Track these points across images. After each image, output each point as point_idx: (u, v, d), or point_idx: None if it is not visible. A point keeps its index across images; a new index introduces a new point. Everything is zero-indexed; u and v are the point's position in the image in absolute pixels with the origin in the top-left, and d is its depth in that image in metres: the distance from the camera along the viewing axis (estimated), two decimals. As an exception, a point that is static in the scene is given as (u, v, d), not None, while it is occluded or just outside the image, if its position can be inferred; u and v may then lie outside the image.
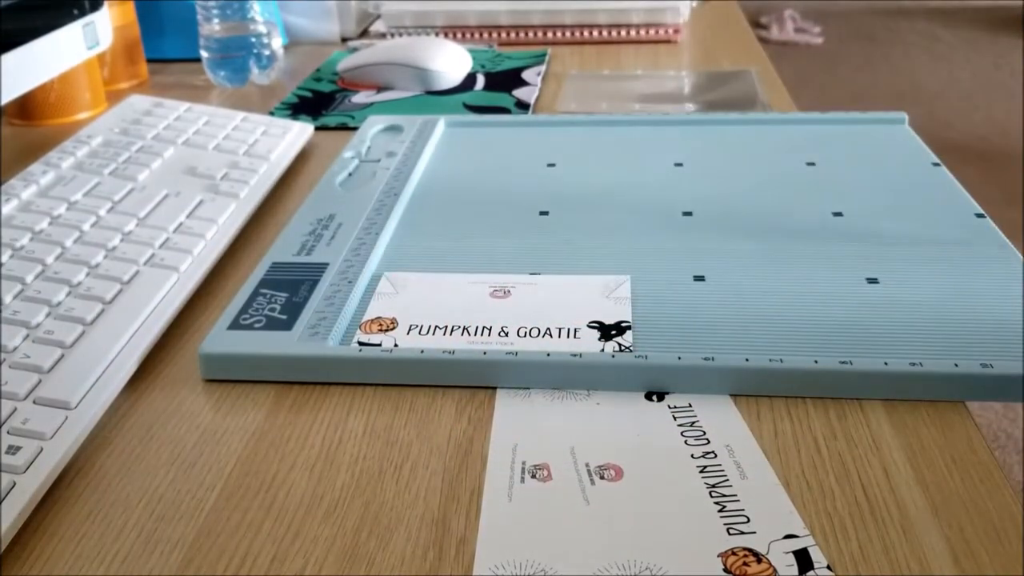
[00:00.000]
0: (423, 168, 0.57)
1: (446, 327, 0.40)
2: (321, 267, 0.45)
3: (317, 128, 0.69)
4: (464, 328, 0.40)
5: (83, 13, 0.67)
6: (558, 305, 0.41)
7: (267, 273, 0.45)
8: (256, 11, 0.79)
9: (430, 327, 0.40)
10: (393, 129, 0.64)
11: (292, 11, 0.93)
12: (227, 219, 0.51)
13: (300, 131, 0.65)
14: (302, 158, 0.64)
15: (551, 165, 0.57)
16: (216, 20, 0.79)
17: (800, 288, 0.42)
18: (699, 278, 0.43)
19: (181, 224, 0.50)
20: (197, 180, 0.55)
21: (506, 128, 0.64)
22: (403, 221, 0.51)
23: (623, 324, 0.39)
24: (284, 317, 0.40)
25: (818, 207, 0.50)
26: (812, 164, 0.55)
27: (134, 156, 0.57)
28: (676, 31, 0.86)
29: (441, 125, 0.64)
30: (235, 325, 0.40)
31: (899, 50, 3.46)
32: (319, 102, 0.75)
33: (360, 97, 0.76)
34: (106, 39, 0.70)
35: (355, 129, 0.68)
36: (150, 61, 0.87)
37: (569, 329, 0.39)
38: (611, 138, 0.61)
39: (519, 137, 0.62)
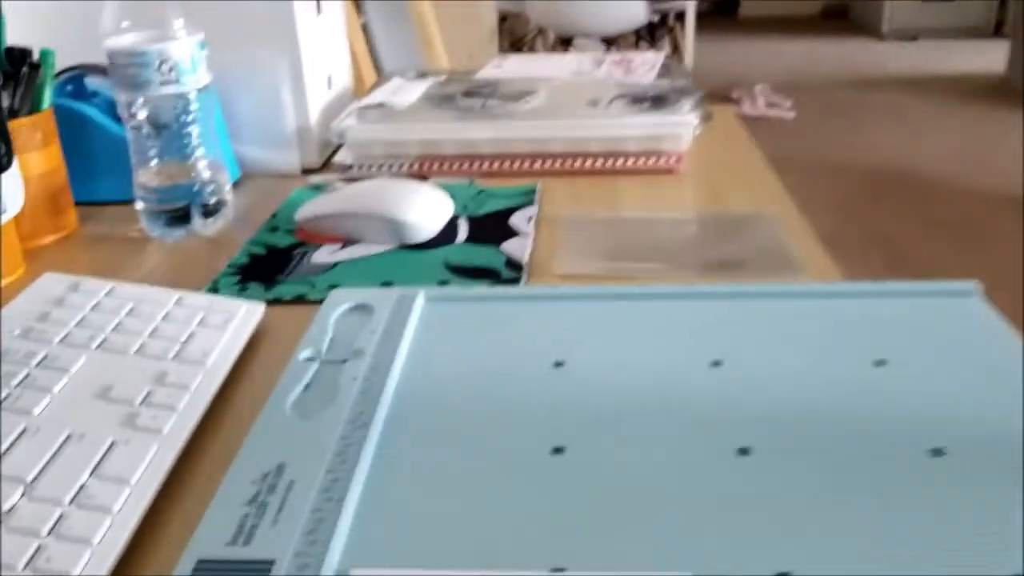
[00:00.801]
0: (398, 376, 0.46)
1: None
2: (263, 569, 0.33)
3: (270, 302, 0.57)
4: None
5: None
6: (593, 636, 0.30)
7: (189, 583, 0.33)
8: (200, 152, 0.69)
9: None
10: (362, 310, 0.53)
11: (244, 140, 0.83)
12: (145, 472, 0.39)
13: (247, 315, 0.53)
14: (251, 350, 0.52)
15: (559, 364, 0.46)
16: (153, 163, 0.68)
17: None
18: (781, 578, 0.32)
19: (82, 488, 0.38)
20: (111, 409, 0.43)
21: (498, 304, 0.53)
22: (373, 474, 0.39)
23: None
24: None
25: (911, 438, 0.39)
26: (882, 363, 0.44)
27: (34, 374, 0.45)
28: (678, 160, 0.76)
29: (420, 301, 0.53)
30: None
31: (872, 122, 3.45)
32: (274, 262, 0.64)
33: (322, 254, 0.65)
34: (15, 204, 0.59)
35: (315, 303, 0.57)
36: (82, 204, 0.76)
37: None
38: (626, 319, 0.50)
39: (515, 319, 0.51)
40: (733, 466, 0.38)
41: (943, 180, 2.82)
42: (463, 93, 0.84)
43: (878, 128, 3.36)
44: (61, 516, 0.36)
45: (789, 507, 0.35)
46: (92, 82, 0.81)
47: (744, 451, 0.39)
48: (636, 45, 3.72)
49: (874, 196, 2.72)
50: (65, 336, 0.48)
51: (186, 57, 0.65)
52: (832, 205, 2.64)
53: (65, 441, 0.40)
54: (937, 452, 0.38)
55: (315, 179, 0.79)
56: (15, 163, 0.60)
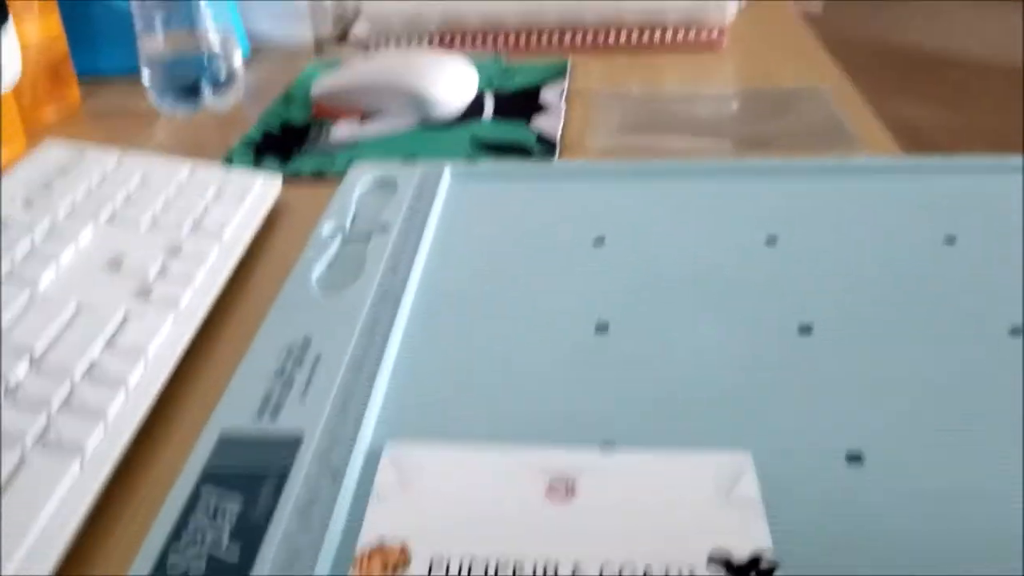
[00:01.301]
0: (427, 251, 0.43)
1: (484, 567, 0.26)
2: (292, 444, 0.31)
3: (287, 177, 0.54)
4: (514, 569, 0.26)
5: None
6: (652, 517, 0.27)
7: (212, 458, 0.30)
8: (208, 18, 0.64)
9: (459, 567, 0.26)
10: (385, 185, 0.50)
11: (255, 13, 0.78)
12: (162, 345, 0.37)
13: (264, 189, 0.50)
14: (269, 226, 0.49)
15: (599, 241, 0.43)
16: (159, 31, 0.64)
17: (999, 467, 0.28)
18: (854, 458, 0.29)
19: (93, 364, 0.35)
20: (123, 282, 0.40)
21: (531, 181, 0.49)
22: (406, 347, 0.36)
23: (762, 565, 0.25)
24: (236, 553, 0.26)
25: (985, 315, 0.36)
26: (952, 240, 0.41)
27: (37, 245, 0.42)
28: (720, 34, 0.71)
29: (446, 177, 0.50)
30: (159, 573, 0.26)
31: (903, 15, 3.31)
32: (290, 137, 0.60)
33: (340, 130, 0.61)
34: (13, 71, 0.55)
35: (335, 178, 0.54)
36: (84, 78, 0.72)
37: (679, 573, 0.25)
38: (670, 196, 0.47)
39: (550, 195, 0.48)
40: (794, 344, 0.35)
41: (977, 72, 2.72)
42: (487, -37, 0.79)
43: (909, 21, 3.23)
44: (72, 390, 0.34)
45: (857, 385, 0.33)
46: (91, -53, 0.76)
47: (806, 329, 0.36)
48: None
49: (903, 88, 2.64)
50: (70, 205, 0.45)
51: (191, -88, 0.60)
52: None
53: (75, 314, 0.38)
54: (1016, 331, 0.35)
55: (330, 54, 0.74)
56: (12, 28, 0.55)
